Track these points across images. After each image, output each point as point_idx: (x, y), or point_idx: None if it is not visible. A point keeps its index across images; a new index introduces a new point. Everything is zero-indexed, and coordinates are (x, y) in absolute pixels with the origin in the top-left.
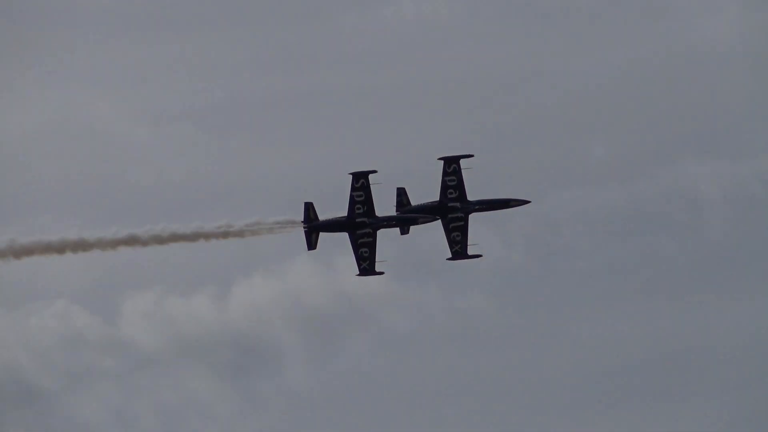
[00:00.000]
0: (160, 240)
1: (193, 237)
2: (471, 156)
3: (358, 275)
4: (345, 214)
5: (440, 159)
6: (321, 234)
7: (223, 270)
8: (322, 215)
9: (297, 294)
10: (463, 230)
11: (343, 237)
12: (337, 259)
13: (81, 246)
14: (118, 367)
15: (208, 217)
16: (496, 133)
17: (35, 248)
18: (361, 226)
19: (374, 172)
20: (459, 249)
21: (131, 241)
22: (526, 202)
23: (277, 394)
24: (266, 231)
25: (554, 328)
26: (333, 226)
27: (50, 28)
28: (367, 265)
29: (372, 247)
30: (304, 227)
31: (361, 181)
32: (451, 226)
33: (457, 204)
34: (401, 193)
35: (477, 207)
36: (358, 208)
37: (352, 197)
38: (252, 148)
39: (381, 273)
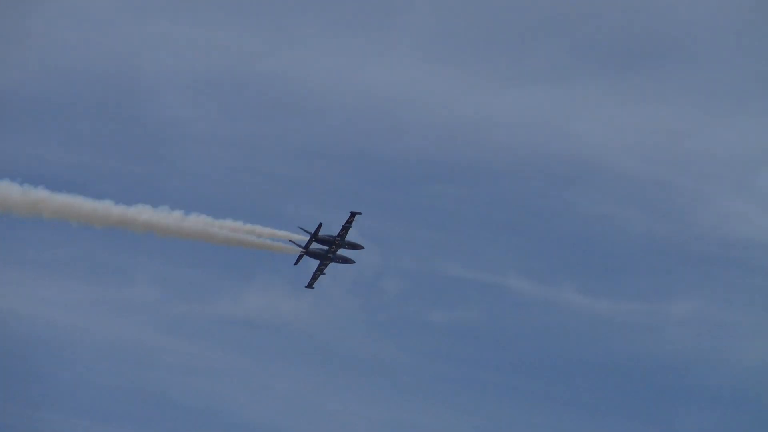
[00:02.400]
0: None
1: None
2: (360, 213)
3: (306, 287)
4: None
5: (351, 212)
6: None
7: None
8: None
9: None
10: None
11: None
12: None
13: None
14: None
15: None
16: None
17: None
18: (328, 258)
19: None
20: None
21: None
22: (361, 247)
23: None
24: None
25: None
26: (315, 254)
27: None
28: (312, 282)
29: (322, 271)
30: (302, 251)
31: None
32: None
33: (338, 239)
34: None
35: (346, 245)
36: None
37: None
38: None
39: (313, 288)
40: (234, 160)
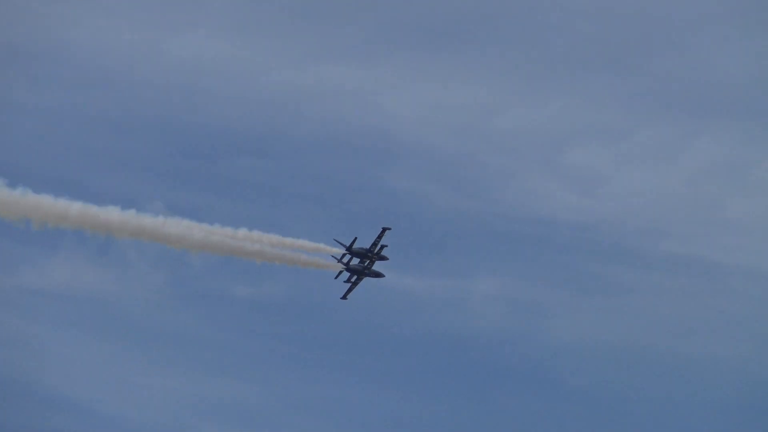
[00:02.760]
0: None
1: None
2: (390, 228)
3: (341, 298)
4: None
5: (383, 227)
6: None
7: None
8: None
9: None
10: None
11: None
12: None
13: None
14: None
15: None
16: None
17: None
18: (363, 273)
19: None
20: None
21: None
22: (387, 258)
23: None
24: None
25: None
26: (354, 270)
27: None
28: (347, 294)
29: (356, 285)
30: (344, 267)
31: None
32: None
33: (374, 255)
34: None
35: (376, 257)
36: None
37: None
38: None
39: (346, 299)
40: (41, 130)
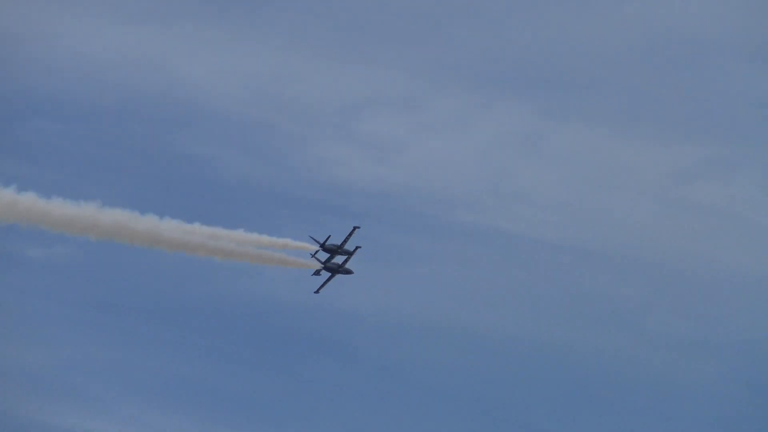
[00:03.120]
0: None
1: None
2: (359, 227)
3: (315, 292)
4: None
5: (354, 226)
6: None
7: None
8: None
9: None
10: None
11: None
12: None
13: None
14: None
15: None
16: None
17: None
18: (336, 271)
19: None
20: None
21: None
22: (352, 254)
23: None
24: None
25: None
26: (329, 268)
27: None
28: (320, 289)
29: (329, 280)
30: (322, 266)
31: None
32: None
33: (341, 248)
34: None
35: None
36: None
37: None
38: None
39: (318, 293)
40: None
